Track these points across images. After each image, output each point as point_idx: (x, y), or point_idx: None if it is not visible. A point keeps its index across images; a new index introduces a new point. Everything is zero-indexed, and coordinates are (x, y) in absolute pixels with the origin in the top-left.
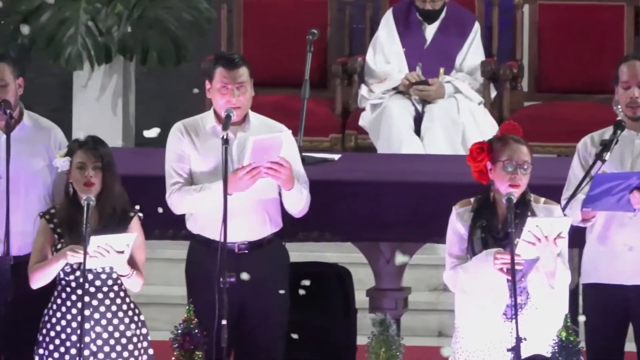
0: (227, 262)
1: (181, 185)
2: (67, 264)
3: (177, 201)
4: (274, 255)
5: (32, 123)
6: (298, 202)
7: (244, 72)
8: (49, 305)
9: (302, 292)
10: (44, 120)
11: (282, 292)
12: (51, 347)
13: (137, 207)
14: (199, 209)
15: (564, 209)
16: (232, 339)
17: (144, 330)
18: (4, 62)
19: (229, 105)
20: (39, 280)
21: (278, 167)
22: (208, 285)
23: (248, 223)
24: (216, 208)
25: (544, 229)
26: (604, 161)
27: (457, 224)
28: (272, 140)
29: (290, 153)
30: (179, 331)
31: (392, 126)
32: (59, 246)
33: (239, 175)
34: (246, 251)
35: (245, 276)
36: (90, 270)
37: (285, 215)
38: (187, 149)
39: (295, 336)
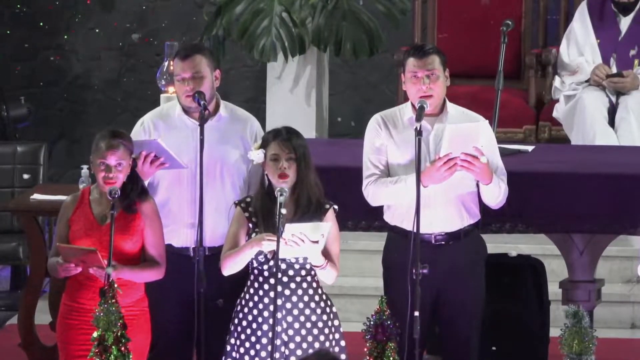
0: (424, 253)
1: (377, 177)
2: (261, 254)
3: (373, 193)
4: (471, 246)
5: (229, 114)
6: (496, 196)
7: (433, 60)
8: (242, 295)
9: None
10: (241, 111)
11: (479, 283)
12: (243, 336)
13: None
14: (394, 200)
15: None
16: (426, 330)
17: (335, 322)
18: (201, 54)
19: (420, 94)
20: (230, 266)
21: (472, 159)
22: (403, 276)
23: (445, 215)
24: (412, 200)
25: None
26: None
27: None
28: (468, 129)
29: (488, 144)
30: (372, 322)
31: (586, 117)
32: (252, 235)
33: (436, 166)
34: (443, 242)
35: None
36: (283, 260)
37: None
38: (384, 140)
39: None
